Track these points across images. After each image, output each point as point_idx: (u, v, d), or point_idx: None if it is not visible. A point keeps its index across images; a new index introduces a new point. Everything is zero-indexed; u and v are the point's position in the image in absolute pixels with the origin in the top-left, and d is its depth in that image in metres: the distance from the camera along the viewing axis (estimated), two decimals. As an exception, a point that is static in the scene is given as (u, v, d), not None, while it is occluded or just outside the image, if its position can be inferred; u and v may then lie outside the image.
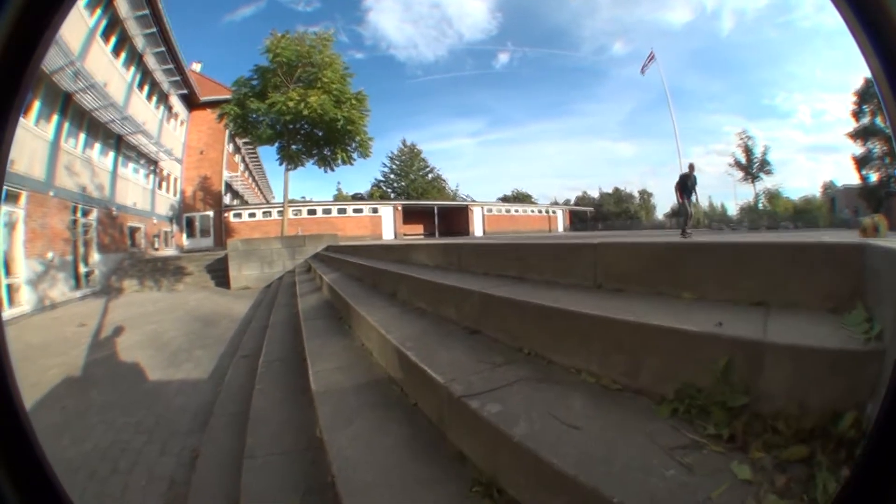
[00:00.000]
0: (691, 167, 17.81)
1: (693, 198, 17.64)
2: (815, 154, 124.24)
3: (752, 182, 61.96)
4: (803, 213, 54.58)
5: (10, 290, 16.47)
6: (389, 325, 4.45)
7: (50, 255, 19.00)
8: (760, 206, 62.68)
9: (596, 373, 2.46)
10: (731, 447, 1.70)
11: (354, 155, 30.26)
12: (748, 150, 61.26)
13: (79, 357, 10.25)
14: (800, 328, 1.94)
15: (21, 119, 11.07)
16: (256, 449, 3.50)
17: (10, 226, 17.03)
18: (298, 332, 6.80)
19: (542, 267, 4.30)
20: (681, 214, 18.51)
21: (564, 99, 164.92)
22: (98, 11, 23.10)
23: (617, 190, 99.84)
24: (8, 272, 16.45)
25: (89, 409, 6.73)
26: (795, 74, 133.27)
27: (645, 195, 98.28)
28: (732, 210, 72.46)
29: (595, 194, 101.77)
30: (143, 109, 30.80)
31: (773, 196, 64.81)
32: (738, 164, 62.07)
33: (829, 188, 64.90)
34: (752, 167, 61.18)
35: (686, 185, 17.45)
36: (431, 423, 2.85)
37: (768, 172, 61.06)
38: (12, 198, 17.13)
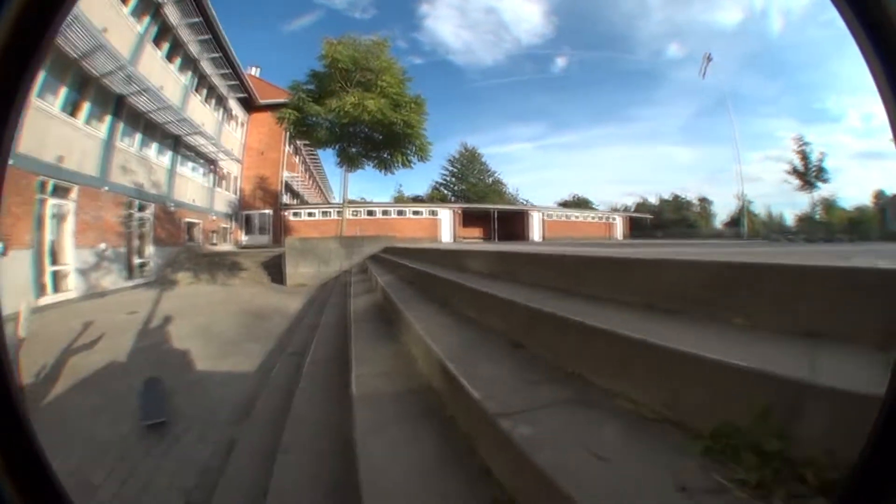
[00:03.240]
0: None
1: None
2: (865, 160, 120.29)
3: (810, 190, 60.66)
4: (857, 224, 53.22)
5: (57, 276, 17.38)
6: (436, 333, 4.45)
7: (102, 245, 20.16)
8: (817, 216, 61.35)
9: (635, 399, 2.39)
10: (757, 495, 1.61)
11: (413, 158, 30.37)
12: (805, 157, 60.03)
13: (126, 343, 10.54)
14: (846, 369, 1.83)
15: (70, 118, 11.79)
16: (291, 445, 3.62)
17: (60, 217, 17.97)
18: (348, 333, 6.79)
19: (595, 281, 4.22)
20: None
21: (622, 103, 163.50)
22: (146, 19, 23.94)
23: (676, 197, 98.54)
24: (55, 261, 17.38)
25: (130, 394, 6.86)
26: (841, 74, 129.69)
27: (704, 203, 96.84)
28: (789, 220, 71.03)
29: (654, 201, 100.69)
30: (202, 111, 32.17)
31: (829, 206, 63.42)
32: (795, 171, 60.76)
33: (880, 197, 63.09)
34: (809, 175, 59.94)
35: None
36: (464, 437, 2.83)
37: (825, 180, 59.65)
38: (63, 191, 18.18)
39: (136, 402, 6.58)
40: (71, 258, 18.33)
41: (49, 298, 16.46)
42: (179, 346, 10.46)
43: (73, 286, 18.17)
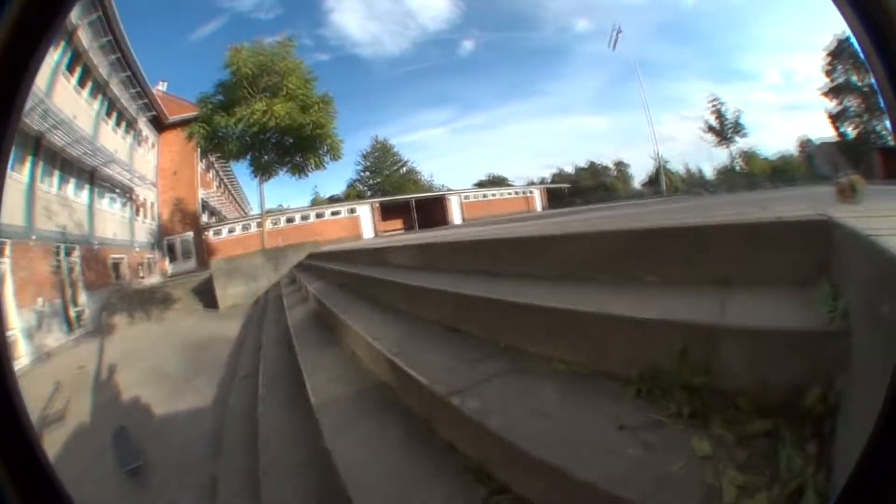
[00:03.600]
0: None
1: None
2: (789, 113, 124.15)
3: (727, 145, 62.21)
4: (781, 172, 54.84)
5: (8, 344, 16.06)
6: (375, 331, 4.61)
7: (40, 301, 18.86)
8: (737, 167, 62.97)
9: (567, 360, 2.62)
10: (692, 424, 1.80)
11: (326, 158, 29.92)
12: (720, 115, 61.46)
13: (83, 402, 10.31)
14: (760, 308, 2.06)
15: None
16: (269, 466, 3.70)
17: (0, 279, 16.84)
18: (292, 346, 6.87)
19: (514, 261, 4.45)
20: None
21: (532, 79, 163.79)
22: (62, 44, 22.86)
23: (592, 164, 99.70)
24: (3, 326, 16.07)
25: (104, 453, 6.84)
26: (760, 36, 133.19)
27: (621, 166, 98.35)
28: (710, 174, 72.72)
29: (571, 170, 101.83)
30: (113, 138, 30.77)
31: (749, 157, 65.03)
32: (710, 128, 62.26)
33: (806, 145, 65.11)
34: (725, 131, 61.41)
35: None
36: (423, 422, 3.00)
37: (742, 135, 61.32)
38: None
39: (111, 453, 6.59)
40: (16, 322, 16.97)
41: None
42: (134, 394, 10.28)
43: (24, 352, 16.74)
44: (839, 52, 46.80)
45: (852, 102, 46.86)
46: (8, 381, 1.13)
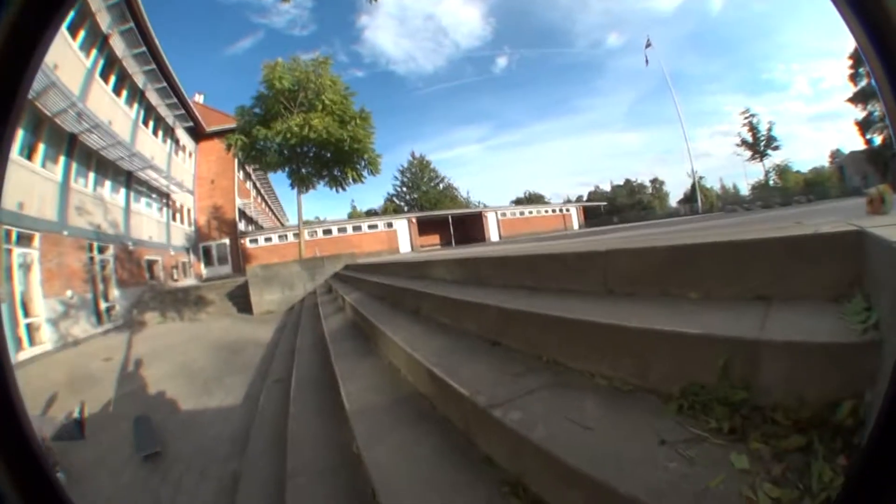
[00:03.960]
0: None
1: None
2: (819, 123, 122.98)
3: (761, 160, 61.70)
4: (814, 185, 54.33)
5: (30, 329, 16.66)
6: (414, 342, 4.62)
7: (69, 293, 19.32)
8: (772, 182, 62.41)
9: (609, 375, 2.62)
10: (732, 439, 1.80)
11: (364, 172, 30.18)
12: (753, 128, 61.02)
13: (107, 392, 10.42)
14: (798, 322, 2.04)
15: (27, 162, 11.12)
16: (299, 469, 3.69)
17: (26, 267, 17.32)
18: (326, 354, 6.90)
19: (556, 276, 4.43)
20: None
21: (566, 96, 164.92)
22: (94, 52, 23.39)
23: (628, 181, 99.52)
24: (27, 313, 16.68)
25: (123, 443, 6.88)
26: (787, 44, 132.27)
27: (657, 184, 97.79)
28: (744, 190, 72.13)
29: (607, 188, 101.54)
30: (151, 144, 31.26)
31: (782, 171, 64.52)
32: (744, 143, 61.80)
33: (836, 156, 64.46)
34: (759, 145, 60.92)
35: None
36: (460, 433, 3.01)
37: (776, 148, 60.82)
38: (25, 239, 17.44)
39: (130, 438, 6.64)
40: (41, 309, 17.53)
41: (27, 353, 15.85)
42: (162, 388, 10.35)
43: (46, 338, 17.31)
44: (860, 55, 46.32)
45: (876, 108, 46.29)
46: (8, 381, 1.15)
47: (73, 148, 21.61)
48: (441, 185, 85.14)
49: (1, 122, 1.14)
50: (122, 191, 27.36)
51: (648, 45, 60.95)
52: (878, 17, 1.08)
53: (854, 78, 48.85)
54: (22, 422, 1.15)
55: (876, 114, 46.56)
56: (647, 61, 62.02)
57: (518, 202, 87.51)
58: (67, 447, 6.83)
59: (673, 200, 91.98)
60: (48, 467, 1.20)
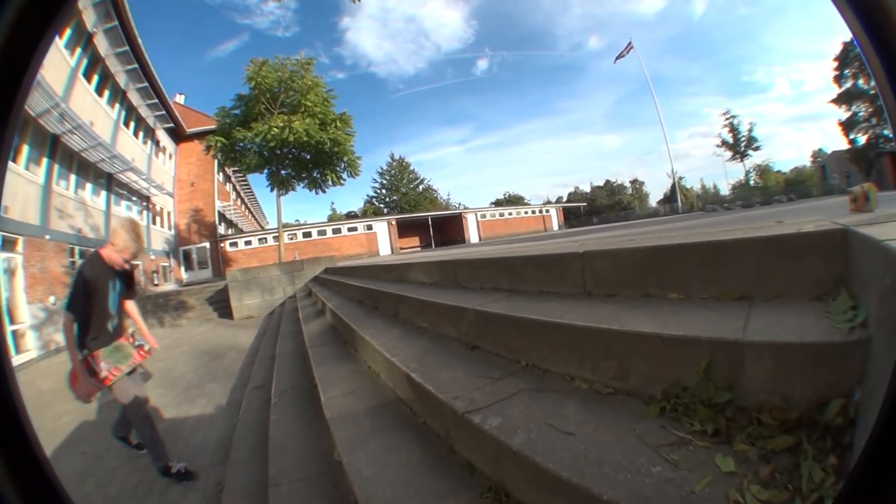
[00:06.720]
0: None
1: None
2: (800, 124, 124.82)
3: (742, 160, 62.38)
4: (795, 185, 55.04)
5: (16, 336, 16.45)
6: (393, 347, 4.59)
7: (51, 299, 18.99)
8: (752, 182, 63.11)
9: (589, 379, 2.61)
10: (716, 441, 1.79)
11: (344, 175, 30.25)
12: (734, 129, 61.70)
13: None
14: (782, 322, 2.02)
15: (12, 164, 10.77)
16: (280, 477, 3.66)
17: (10, 272, 17.13)
18: (306, 360, 6.89)
19: (534, 278, 4.41)
20: None
21: (546, 98, 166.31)
22: (78, 50, 23.26)
23: (608, 182, 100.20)
24: (12, 319, 16.45)
25: (108, 452, 6.80)
26: (771, 47, 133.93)
27: (637, 184, 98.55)
28: (725, 190, 72.89)
29: (587, 189, 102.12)
30: (132, 146, 31.19)
31: (763, 171, 65.27)
32: (724, 143, 62.44)
33: (818, 156, 65.34)
34: (739, 146, 61.59)
35: None
36: (441, 439, 2.99)
37: (757, 149, 61.53)
38: (9, 244, 17.25)
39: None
40: (26, 315, 17.31)
41: (14, 361, 15.50)
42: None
43: (31, 345, 17.03)
44: (846, 57, 47.14)
45: (861, 108, 47.15)
46: (8, 381, 1.14)
47: (56, 150, 21.49)
48: (421, 187, 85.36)
49: (0, 126, 1.13)
50: (103, 194, 27.21)
51: (631, 48, 61.62)
52: (878, 17, 1.07)
53: (839, 80, 49.61)
54: (22, 422, 1.13)
55: (860, 114, 47.31)
56: (616, 60, 62.88)
57: (498, 204, 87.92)
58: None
59: (653, 201, 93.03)
60: (48, 467, 1.18)
